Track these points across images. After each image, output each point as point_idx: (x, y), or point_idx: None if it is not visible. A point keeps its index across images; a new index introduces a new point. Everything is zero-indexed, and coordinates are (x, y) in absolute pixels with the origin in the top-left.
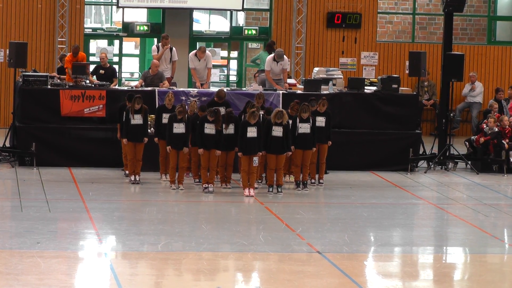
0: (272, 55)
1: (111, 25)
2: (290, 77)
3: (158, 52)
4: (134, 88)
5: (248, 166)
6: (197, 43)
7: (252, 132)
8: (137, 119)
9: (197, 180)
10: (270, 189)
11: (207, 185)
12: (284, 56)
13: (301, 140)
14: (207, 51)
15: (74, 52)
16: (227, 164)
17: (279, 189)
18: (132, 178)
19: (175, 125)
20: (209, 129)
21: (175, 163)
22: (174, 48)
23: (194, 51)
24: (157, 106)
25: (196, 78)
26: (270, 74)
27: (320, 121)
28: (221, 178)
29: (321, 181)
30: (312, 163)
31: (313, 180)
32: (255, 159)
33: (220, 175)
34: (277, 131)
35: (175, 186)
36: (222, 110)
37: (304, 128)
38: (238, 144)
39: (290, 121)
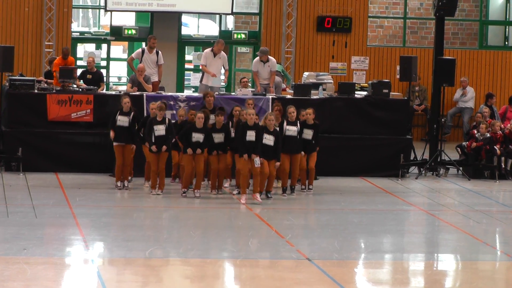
0: (258, 57)
1: (98, 28)
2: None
3: (142, 55)
4: (121, 93)
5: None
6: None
7: (250, 136)
8: (123, 122)
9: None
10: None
11: (195, 190)
12: (271, 58)
13: (288, 143)
14: (222, 52)
15: (64, 55)
16: (219, 170)
17: (269, 195)
18: (119, 184)
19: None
20: (197, 138)
21: (156, 167)
22: (160, 52)
23: (211, 47)
24: (145, 110)
25: (208, 71)
26: (258, 77)
27: (307, 134)
28: (212, 185)
29: (310, 187)
30: (301, 168)
31: (303, 187)
32: (256, 160)
33: (211, 181)
34: (269, 140)
35: (155, 192)
36: (212, 117)
37: (291, 131)
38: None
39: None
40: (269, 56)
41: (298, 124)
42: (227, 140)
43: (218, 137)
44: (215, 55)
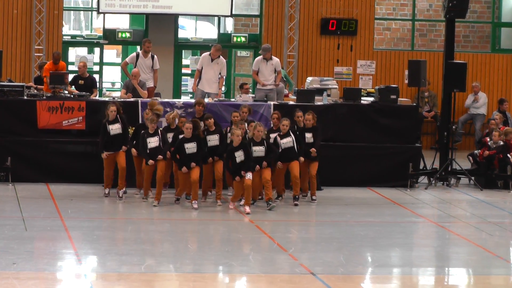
0: (260, 55)
1: (91, 32)
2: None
3: (137, 60)
4: (115, 99)
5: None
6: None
7: (239, 157)
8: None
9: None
10: (260, 197)
11: (192, 200)
12: (275, 57)
13: (285, 153)
14: (221, 57)
15: (55, 59)
16: (216, 179)
17: (270, 202)
18: (107, 191)
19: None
20: (191, 148)
21: (149, 175)
22: (155, 56)
23: (208, 52)
24: (140, 117)
25: (195, 81)
26: (261, 77)
27: (308, 137)
28: (203, 191)
29: (313, 197)
30: (303, 175)
31: (304, 194)
32: (248, 174)
33: (203, 188)
34: (259, 151)
35: (151, 200)
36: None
37: (286, 143)
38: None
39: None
40: (273, 56)
41: (292, 134)
42: (222, 143)
43: (213, 140)
44: (212, 60)
